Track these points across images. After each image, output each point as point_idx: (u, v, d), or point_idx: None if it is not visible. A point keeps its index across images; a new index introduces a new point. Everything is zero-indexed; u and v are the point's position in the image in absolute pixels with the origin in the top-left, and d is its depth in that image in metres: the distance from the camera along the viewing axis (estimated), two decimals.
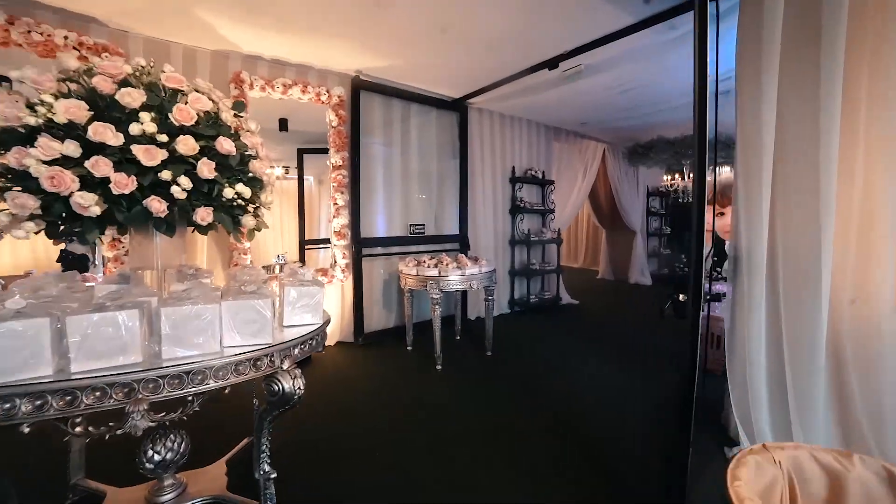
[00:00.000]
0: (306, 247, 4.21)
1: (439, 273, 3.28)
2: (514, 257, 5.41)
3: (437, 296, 3.24)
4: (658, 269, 7.82)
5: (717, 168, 5.77)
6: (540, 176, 5.58)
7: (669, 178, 5.65)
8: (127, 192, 1.08)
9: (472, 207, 4.88)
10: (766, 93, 1.91)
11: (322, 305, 1.58)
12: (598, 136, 6.44)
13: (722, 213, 5.86)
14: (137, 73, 1.22)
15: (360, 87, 3.88)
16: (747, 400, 2.06)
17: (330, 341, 3.85)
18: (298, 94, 3.58)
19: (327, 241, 3.93)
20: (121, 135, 1.08)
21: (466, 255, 3.74)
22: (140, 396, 1.00)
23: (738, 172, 2.07)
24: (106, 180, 1.07)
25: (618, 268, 7.83)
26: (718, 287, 3.58)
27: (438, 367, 3.29)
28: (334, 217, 3.83)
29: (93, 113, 1.12)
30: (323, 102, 3.75)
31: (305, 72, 3.67)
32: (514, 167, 5.34)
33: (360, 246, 3.92)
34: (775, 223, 1.98)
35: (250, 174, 1.53)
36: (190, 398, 1.21)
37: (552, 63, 3.39)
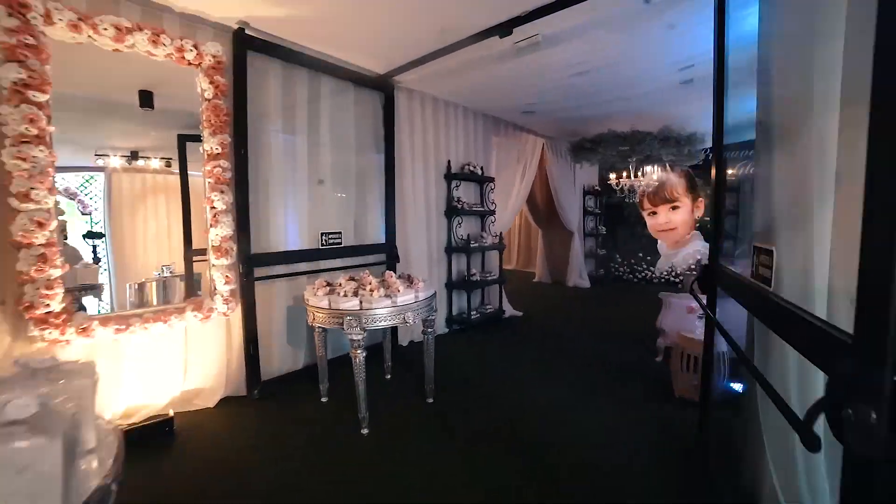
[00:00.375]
0: (195, 258, 3.10)
1: (361, 304, 2.38)
2: (452, 267, 4.64)
3: (359, 337, 2.34)
4: (595, 269, 7.60)
5: (654, 168, 5.56)
6: (479, 172, 4.87)
7: (615, 175, 5.27)
8: None
9: (401, 210, 4.02)
10: (826, 58, 1.33)
11: (57, 485, 0.64)
12: (540, 130, 5.91)
13: (655, 213, 5.73)
14: None
15: (246, 46, 2.81)
16: (788, 455, 1.46)
17: (211, 401, 2.76)
18: (146, 45, 2.41)
19: None
20: None
21: (396, 274, 2.88)
22: None
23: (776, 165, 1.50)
24: None
25: (556, 269, 7.47)
26: (682, 301, 3.19)
27: (364, 430, 2.41)
28: (211, 226, 2.73)
29: None
30: (190, 63, 2.62)
31: (158, 14, 2.52)
32: (449, 161, 4.56)
33: (251, 265, 2.86)
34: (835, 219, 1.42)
35: None
36: None
37: (505, 28, 2.65)
